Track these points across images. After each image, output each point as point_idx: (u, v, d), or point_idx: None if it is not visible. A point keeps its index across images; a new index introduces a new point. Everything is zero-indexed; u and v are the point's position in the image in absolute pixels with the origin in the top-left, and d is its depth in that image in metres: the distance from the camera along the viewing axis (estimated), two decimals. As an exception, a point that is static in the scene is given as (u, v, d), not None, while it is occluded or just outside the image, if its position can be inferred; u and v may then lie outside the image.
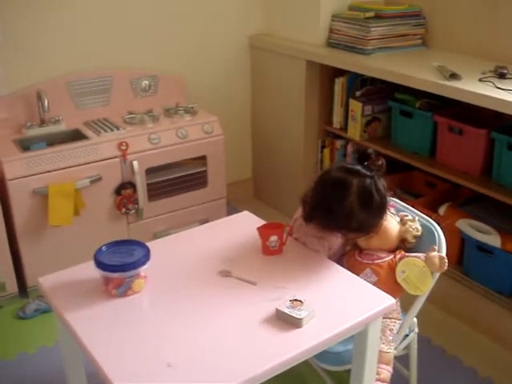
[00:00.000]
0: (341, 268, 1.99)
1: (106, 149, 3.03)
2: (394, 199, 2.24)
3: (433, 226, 2.09)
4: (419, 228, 2.10)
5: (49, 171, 2.88)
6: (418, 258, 1.99)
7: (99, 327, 1.68)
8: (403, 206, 2.21)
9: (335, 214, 1.92)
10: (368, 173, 1.93)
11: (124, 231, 3.20)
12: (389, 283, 1.99)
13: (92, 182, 2.98)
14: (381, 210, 1.95)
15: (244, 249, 2.06)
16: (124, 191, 3.10)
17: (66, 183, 2.89)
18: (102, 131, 3.11)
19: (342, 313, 1.73)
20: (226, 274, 1.91)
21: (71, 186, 2.89)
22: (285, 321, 1.66)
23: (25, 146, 2.99)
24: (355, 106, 3.27)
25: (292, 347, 1.59)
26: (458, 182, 2.83)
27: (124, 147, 3.05)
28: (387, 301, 1.80)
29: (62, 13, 3.15)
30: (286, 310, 1.66)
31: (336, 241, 2.08)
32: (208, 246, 2.08)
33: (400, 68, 2.89)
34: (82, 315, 1.72)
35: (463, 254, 2.85)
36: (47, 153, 2.90)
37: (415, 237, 2.09)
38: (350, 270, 2.00)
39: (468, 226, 2.76)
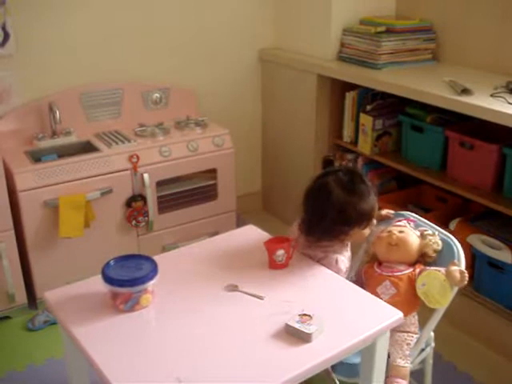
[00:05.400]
0: (348, 281, 1.99)
1: (117, 161, 3.04)
2: (414, 214, 2.25)
3: (452, 240, 2.09)
4: (439, 242, 2.09)
5: (60, 183, 2.89)
6: (439, 271, 1.97)
7: (107, 342, 1.67)
8: (422, 221, 2.21)
9: (330, 213, 1.98)
10: (336, 168, 2.09)
11: (134, 243, 3.20)
12: (407, 296, 1.98)
13: (103, 194, 2.98)
14: (368, 193, 2.02)
15: (250, 263, 2.06)
16: (134, 203, 3.11)
17: (77, 195, 2.90)
18: (113, 143, 3.12)
19: (351, 327, 1.73)
20: (232, 288, 1.90)
21: (82, 197, 2.90)
22: (294, 335, 1.66)
23: (36, 157, 3.01)
24: (366, 120, 3.27)
25: (302, 362, 1.59)
26: (469, 197, 2.82)
27: (135, 160, 3.06)
28: (395, 315, 1.79)
29: (75, 25, 3.18)
30: (296, 325, 1.65)
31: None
32: (214, 260, 2.08)
33: (411, 83, 2.89)
34: (90, 330, 1.72)
35: (474, 269, 2.83)
36: (58, 164, 2.91)
37: (436, 251, 2.08)
38: (367, 282, 2.01)
39: (479, 242, 2.74)
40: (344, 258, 2.08)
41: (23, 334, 2.89)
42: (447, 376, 2.59)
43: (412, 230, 2.11)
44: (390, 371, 1.95)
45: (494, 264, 2.71)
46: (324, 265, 2.06)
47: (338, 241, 2.08)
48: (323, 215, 2.00)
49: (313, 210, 2.04)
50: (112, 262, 1.84)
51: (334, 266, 2.04)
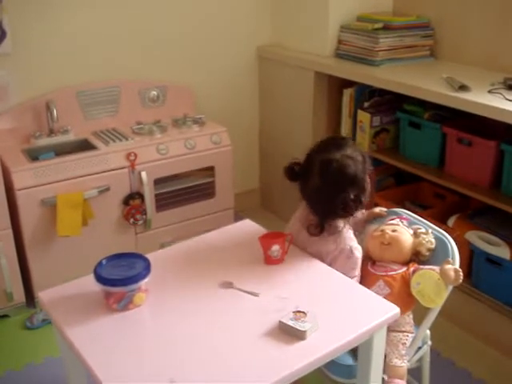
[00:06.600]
0: (343, 277, 1.97)
1: (115, 159, 3.04)
2: (407, 212, 2.23)
3: (446, 238, 2.07)
4: (433, 241, 2.07)
5: (57, 181, 2.88)
6: (433, 270, 1.96)
7: (100, 342, 1.66)
8: (416, 219, 2.19)
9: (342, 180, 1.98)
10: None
11: (132, 242, 3.20)
12: (401, 296, 1.97)
13: (100, 192, 2.98)
14: (344, 143, 2.06)
15: (245, 258, 2.05)
16: (132, 201, 3.10)
17: (75, 193, 2.89)
18: (111, 141, 3.12)
19: (346, 323, 1.72)
20: (227, 285, 1.89)
21: (79, 196, 2.90)
22: (288, 333, 1.65)
23: (33, 155, 3.01)
24: (363, 116, 3.26)
25: (296, 360, 1.58)
26: (467, 193, 2.81)
27: (132, 158, 3.05)
28: (392, 310, 1.78)
29: (72, 23, 3.18)
30: (290, 323, 1.65)
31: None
32: (209, 256, 2.07)
33: (409, 79, 2.88)
34: (83, 330, 1.70)
35: (472, 266, 2.83)
36: (56, 163, 2.91)
37: (429, 250, 2.06)
38: (361, 281, 1.99)
39: (477, 238, 2.74)
40: (358, 246, 2.03)
41: (21, 333, 2.90)
42: (446, 372, 2.59)
43: (405, 229, 2.09)
44: (387, 372, 1.95)
45: (493, 260, 2.70)
46: (340, 259, 2.01)
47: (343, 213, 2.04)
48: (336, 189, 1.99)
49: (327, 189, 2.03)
50: (104, 261, 1.82)
51: (350, 258, 2.00)
